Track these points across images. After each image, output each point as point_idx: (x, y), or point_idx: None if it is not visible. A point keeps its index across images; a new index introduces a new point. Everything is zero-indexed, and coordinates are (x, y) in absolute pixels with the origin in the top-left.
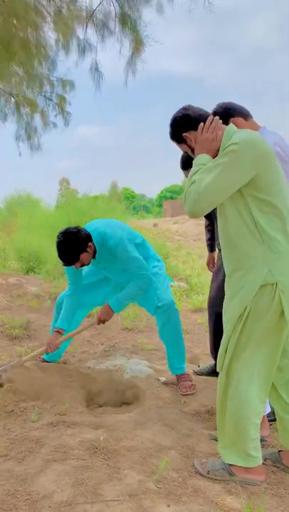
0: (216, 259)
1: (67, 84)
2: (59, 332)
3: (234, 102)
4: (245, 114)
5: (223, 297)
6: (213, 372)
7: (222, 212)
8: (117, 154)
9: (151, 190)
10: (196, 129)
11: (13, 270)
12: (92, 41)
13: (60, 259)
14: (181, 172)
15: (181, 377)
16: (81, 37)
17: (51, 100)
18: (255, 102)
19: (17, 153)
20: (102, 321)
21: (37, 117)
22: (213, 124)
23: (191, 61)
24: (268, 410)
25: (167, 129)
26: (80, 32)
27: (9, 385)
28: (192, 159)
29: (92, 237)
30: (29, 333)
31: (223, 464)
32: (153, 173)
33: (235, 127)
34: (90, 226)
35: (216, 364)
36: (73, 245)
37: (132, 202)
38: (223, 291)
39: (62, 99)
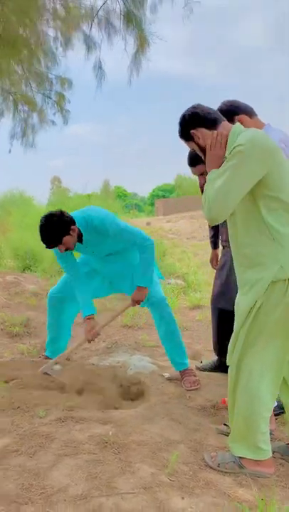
0: (219, 257)
1: (65, 82)
2: (91, 318)
3: (238, 100)
4: (249, 112)
5: (227, 294)
6: (215, 368)
7: (232, 212)
8: (109, 153)
9: (143, 188)
10: (203, 126)
11: (9, 268)
12: (97, 39)
13: (43, 241)
14: (176, 170)
15: (185, 372)
16: (84, 35)
17: (50, 98)
18: (248, 101)
19: (10, 151)
20: (136, 302)
21: (34, 115)
22: (219, 139)
23: (184, 60)
24: (274, 404)
25: (159, 128)
26: (85, 30)
27: (16, 381)
28: (199, 156)
29: (76, 222)
30: (29, 330)
31: (233, 457)
32: (145, 172)
33: (242, 127)
34: (75, 212)
35: (218, 360)
36: (55, 228)
37: (124, 200)
38: (227, 287)
39: (61, 96)
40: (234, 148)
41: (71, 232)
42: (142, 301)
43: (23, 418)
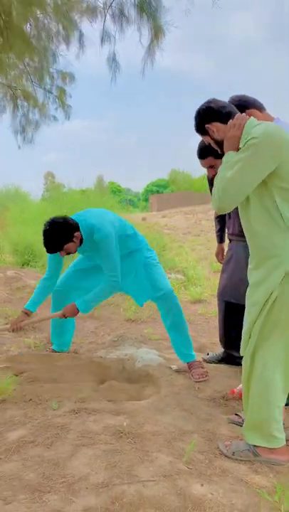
0: (225, 251)
1: (67, 76)
2: (26, 313)
3: (247, 95)
4: (259, 106)
5: (233, 287)
6: (222, 360)
7: (246, 204)
8: (103, 148)
9: (137, 184)
10: (218, 120)
11: (8, 264)
12: (111, 31)
13: (44, 246)
14: (170, 165)
15: (193, 364)
16: (93, 28)
17: (51, 93)
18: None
19: (19, 147)
20: (64, 316)
21: (35, 111)
22: (240, 121)
23: (178, 55)
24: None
25: (153, 123)
26: (99, 22)
27: (26, 374)
28: (209, 148)
29: (81, 227)
30: (34, 325)
31: (248, 445)
32: (139, 167)
33: (256, 120)
34: (81, 215)
35: (224, 352)
36: (58, 234)
37: (119, 196)
38: (233, 281)
39: (62, 91)
40: (248, 140)
41: (74, 238)
42: (70, 317)
43: (36, 410)
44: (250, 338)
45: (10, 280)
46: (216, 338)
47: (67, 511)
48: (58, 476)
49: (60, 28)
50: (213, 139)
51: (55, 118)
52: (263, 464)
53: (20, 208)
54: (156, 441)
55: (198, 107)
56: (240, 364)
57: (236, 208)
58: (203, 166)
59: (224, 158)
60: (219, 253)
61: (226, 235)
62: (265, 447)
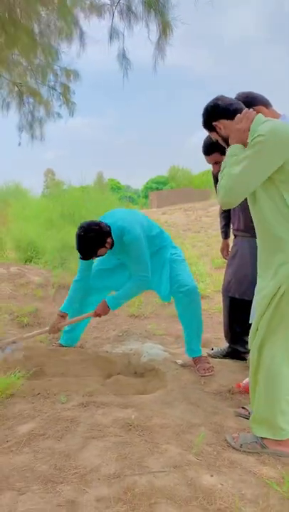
0: (230, 246)
1: (71, 73)
2: (62, 316)
3: (253, 91)
4: (265, 103)
5: (238, 282)
6: (227, 355)
7: (254, 200)
8: (103, 145)
9: (136, 181)
10: (225, 117)
11: (12, 260)
12: (119, 28)
13: (79, 252)
14: (170, 162)
15: (199, 359)
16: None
17: (55, 90)
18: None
19: (19, 144)
20: (98, 315)
21: (40, 108)
22: (247, 115)
23: (177, 52)
24: None
25: (153, 120)
26: (107, 19)
27: (34, 369)
28: (215, 145)
29: (112, 230)
30: (39, 320)
31: (255, 438)
32: (138, 164)
33: (263, 117)
34: (111, 217)
35: (229, 347)
36: (93, 242)
37: (118, 193)
38: (238, 276)
39: (66, 88)
40: (255, 137)
41: (106, 244)
42: (103, 315)
43: (45, 404)
44: (257, 330)
45: (13, 276)
46: (219, 333)
47: (81, 501)
48: (70, 468)
49: (64, 24)
50: (220, 135)
51: (59, 115)
52: (270, 455)
53: (21, 204)
54: (164, 434)
55: (206, 104)
56: (245, 359)
57: (241, 204)
58: (209, 162)
59: (229, 150)
60: (224, 249)
61: (231, 230)
62: (272, 439)
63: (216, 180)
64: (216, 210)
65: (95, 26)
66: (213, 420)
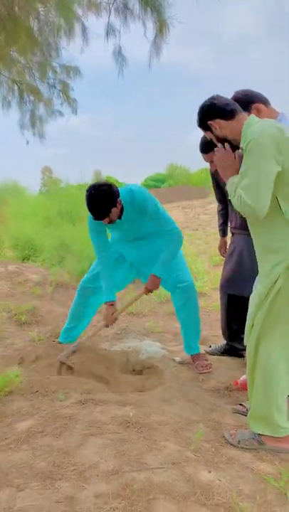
0: (228, 244)
1: (71, 70)
2: (112, 304)
3: (251, 89)
4: (264, 101)
5: (236, 280)
6: (224, 352)
7: None
8: (101, 143)
9: (135, 178)
10: (220, 117)
11: (9, 258)
12: (116, 25)
13: (92, 212)
14: (168, 159)
15: (197, 356)
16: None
17: (55, 87)
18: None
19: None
20: (149, 290)
21: (39, 105)
22: (225, 153)
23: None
24: None
25: (151, 118)
26: (104, 16)
27: (32, 366)
28: (211, 142)
29: (121, 195)
30: (37, 318)
31: (253, 434)
32: (136, 162)
33: (256, 119)
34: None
35: (227, 344)
36: (106, 198)
37: None
38: (236, 273)
39: (65, 86)
40: (248, 143)
41: (118, 204)
42: (155, 289)
43: (43, 401)
44: (253, 326)
45: (11, 275)
46: (217, 330)
47: (80, 497)
48: (69, 464)
49: (62, 22)
50: (215, 135)
51: (60, 113)
52: (267, 452)
53: (19, 202)
54: (163, 431)
55: (201, 103)
56: (242, 356)
57: None
58: (206, 161)
59: (228, 186)
60: (222, 247)
61: (229, 228)
62: (270, 436)
63: (213, 178)
64: (214, 207)
65: (92, 23)
66: (211, 417)
